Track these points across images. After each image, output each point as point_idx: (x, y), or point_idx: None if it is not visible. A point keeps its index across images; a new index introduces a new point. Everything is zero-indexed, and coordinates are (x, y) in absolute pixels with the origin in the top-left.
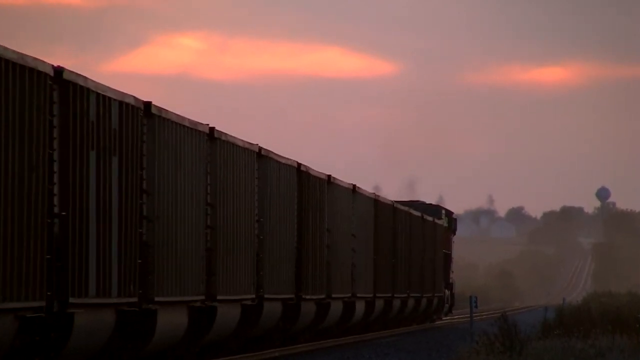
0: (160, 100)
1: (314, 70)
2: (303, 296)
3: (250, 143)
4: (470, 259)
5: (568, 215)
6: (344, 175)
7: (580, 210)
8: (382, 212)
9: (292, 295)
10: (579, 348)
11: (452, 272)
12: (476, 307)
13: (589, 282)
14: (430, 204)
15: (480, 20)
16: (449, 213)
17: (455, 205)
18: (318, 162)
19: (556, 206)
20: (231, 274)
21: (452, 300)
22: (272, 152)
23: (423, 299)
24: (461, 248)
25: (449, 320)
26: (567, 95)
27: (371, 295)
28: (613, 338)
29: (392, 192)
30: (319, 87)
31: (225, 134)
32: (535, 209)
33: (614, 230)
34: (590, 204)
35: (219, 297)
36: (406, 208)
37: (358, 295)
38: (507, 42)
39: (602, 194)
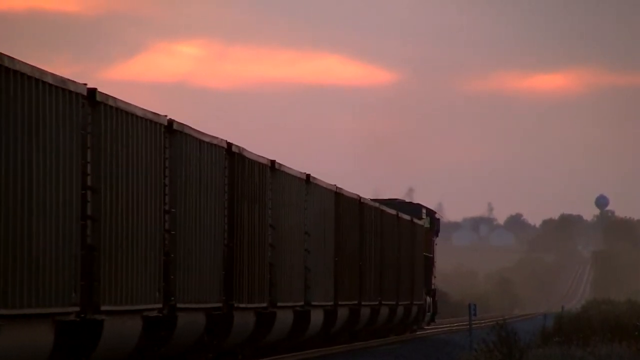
0: (159, 107)
1: (313, 78)
2: (236, 305)
3: (156, 114)
4: (469, 267)
5: (567, 223)
6: (342, 182)
7: (579, 218)
8: (345, 207)
9: (220, 304)
10: (579, 356)
11: (435, 277)
12: (475, 314)
13: (588, 289)
14: (410, 203)
15: (478, 27)
16: (430, 213)
17: (455, 213)
18: (315, 168)
19: (555, 214)
20: (125, 278)
21: (434, 308)
22: (190, 127)
23: (399, 307)
24: (460, 256)
25: (446, 329)
26: (566, 102)
27: (331, 303)
28: (612, 346)
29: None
30: (317, 95)
31: (116, 98)
32: (534, 217)
33: (613, 238)
34: (589, 212)
35: (103, 308)
36: (377, 204)
37: (314, 303)
38: (506, 50)
39: (601, 201)
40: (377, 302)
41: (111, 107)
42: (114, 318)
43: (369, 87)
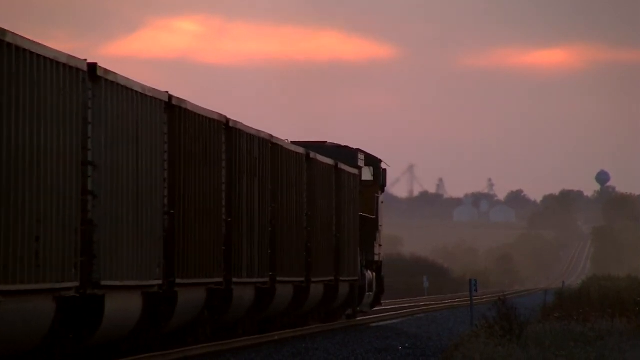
0: (159, 83)
1: (313, 54)
2: None
3: None
4: (470, 244)
5: (567, 199)
6: None
7: (579, 193)
8: (195, 132)
9: None
10: (579, 331)
11: (381, 245)
12: (476, 290)
13: (588, 265)
14: (346, 147)
15: (479, 2)
16: (373, 161)
17: (455, 189)
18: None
19: (556, 190)
20: None
21: (379, 286)
22: None
23: (315, 286)
24: (461, 232)
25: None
26: (567, 78)
27: (160, 281)
28: (612, 321)
29: (391, 175)
30: (317, 71)
31: None
32: (535, 193)
33: (613, 214)
34: (589, 188)
35: None
36: (266, 136)
37: (107, 283)
38: (506, 25)
39: (602, 177)
40: (266, 280)
41: None
42: None
43: (370, 63)
